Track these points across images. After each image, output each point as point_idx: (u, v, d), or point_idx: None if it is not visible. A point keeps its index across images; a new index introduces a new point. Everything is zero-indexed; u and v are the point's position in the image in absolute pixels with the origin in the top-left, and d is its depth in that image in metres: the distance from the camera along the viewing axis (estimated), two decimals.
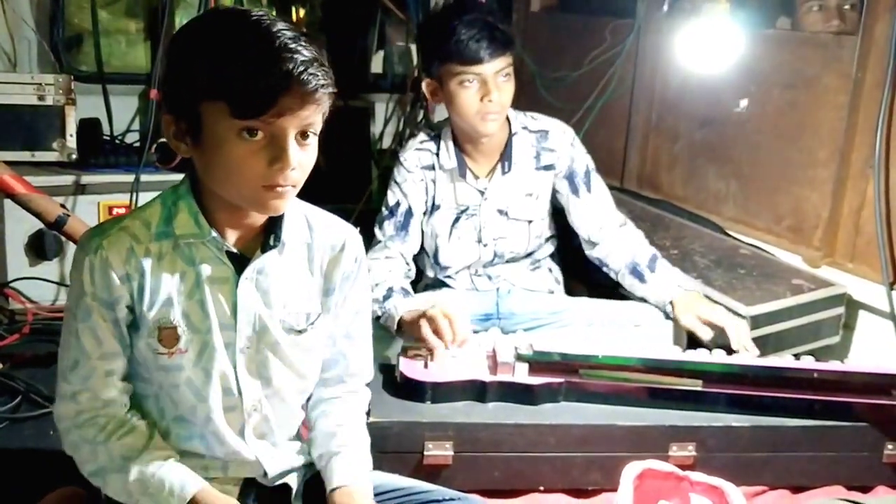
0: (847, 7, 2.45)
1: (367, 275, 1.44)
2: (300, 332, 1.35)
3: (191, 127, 1.20)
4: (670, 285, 2.11)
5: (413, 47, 3.55)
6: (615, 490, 1.60)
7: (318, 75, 1.15)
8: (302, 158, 1.19)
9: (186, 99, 1.18)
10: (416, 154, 2.18)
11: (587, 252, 2.26)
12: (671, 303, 2.08)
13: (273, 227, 1.31)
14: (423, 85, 2.15)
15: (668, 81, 3.02)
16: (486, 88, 2.01)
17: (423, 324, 1.83)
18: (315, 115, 1.18)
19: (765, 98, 2.62)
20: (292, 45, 1.14)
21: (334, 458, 1.37)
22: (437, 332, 1.82)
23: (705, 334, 2.01)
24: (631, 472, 1.58)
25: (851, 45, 2.32)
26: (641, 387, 1.82)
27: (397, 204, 2.18)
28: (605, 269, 2.24)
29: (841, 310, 2.29)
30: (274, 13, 3.20)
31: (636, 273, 2.14)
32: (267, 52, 1.13)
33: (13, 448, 1.83)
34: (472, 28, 1.98)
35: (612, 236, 2.20)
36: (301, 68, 1.13)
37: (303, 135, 1.19)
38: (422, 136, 2.22)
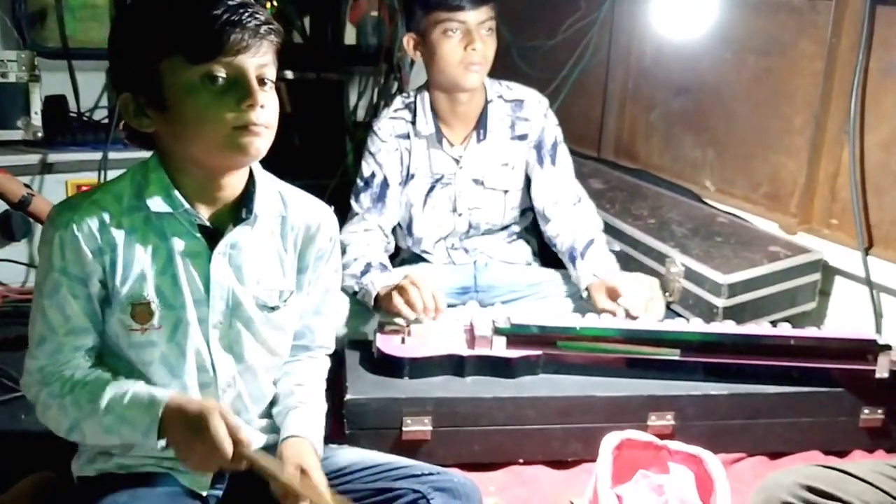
0: None
1: (339, 253, 1.46)
2: (273, 308, 1.35)
3: (152, 95, 1.21)
4: (588, 274, 2.04)
5: (385, 19, 3.50)
6: (595, 461, 1.60)
7: (258, 14, 1.20)
8: (267, 101, 1.22)
9: (143, 66, 1.20)
10: (391, 123, 2.15)
11: (542, 228, 2.23)
12: (587, 289, 2.03)
13: (245, 201, 1.30)
14: (405, 40, 2.12)
15: (644, 49, 3.00)
16: (469, 37, 2.00)
17: (395, 295, 1.83)
18: (267, 57, 1.22)
19: (740, 65, 2.60)
20: None
21: (290, 412, 1.38)
22: (409, 302, 1.81)
23: (619, 312, 1.93)
24: (610, 442, 1.58)
25: (826, 11, 2.31)
26: (619, 357, 1.82)
27: (372, 175, 2.15)
28: (554, 249, 2.21)
29: (817, 276, 2.30)
30: None
31: (571, 257, 2.11)
32: (206, 0, 1.18)
33: None
34: None
35: (564, 214, 2.17)
36: (241, 9, 1.19)
37: (261, 82, 1.21)
38: (396, 103, 2.19)
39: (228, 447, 1.14)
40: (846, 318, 2.31)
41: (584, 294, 2.05)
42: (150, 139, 1.27)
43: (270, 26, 1.21)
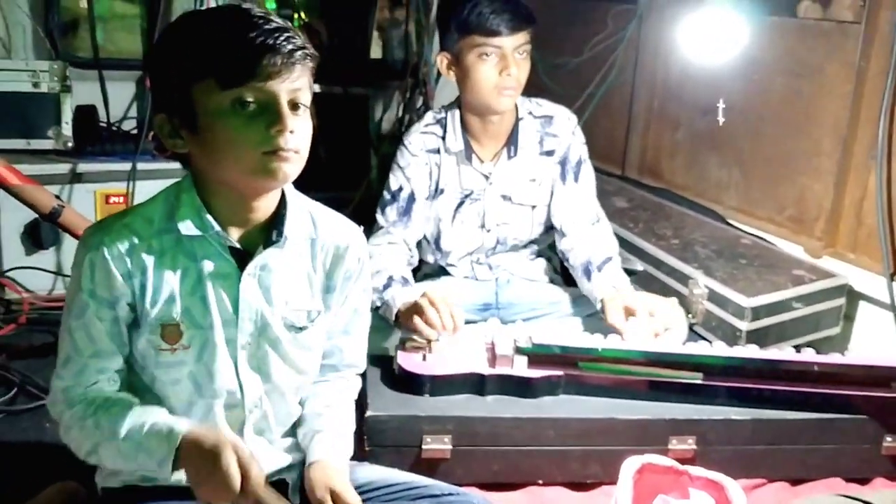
0: None
1: (368, 273, 1.45)
2: (300, 329, 1.35)
3: (185, 117, 1.22)
4: (605, 286, 2.03)
5: (412, 33, 3.52)
6: (614, 483, 1.59)
7: (294, 38, 1.20)
8: (298, 126, 1.21)
9: (177, 89, 1.21)
10: (421, 138, 2.16)
11: (557, 242, 2.23)
12: (602, 301, 2.02)
13: (276, 223, 1.30)
14: (438, 59, 2.13)
15: (669, 68, 3.00)
16: (504, 62, 2.00)
17: (414, 316, 1.83)
18: (300, 81, 1.21)
19: (767, 86, 2.59)
20: (266, 17, 1.20)
21: (316, 435, 1.38)
22: (428, 322, 1.81)
23: (626, 332, 1.90)
24: (630, 466, 1.57)
25: (855, 34, 2.30)
26: (641, 380, 1.80)
27: (400, 188, 2.16)
28: (566, 263, 2.21)
29: (842, 301, 2.28)
30: None
31: (587, 272, 2.10)
32: (243, 24, 1.19)
33: (9, 441, 1.83)
34: (495, 1, 1.97)
35: (581, 232, 2.16)
36: (276, 33, 1.18)
37: (293, 106, 1.21)
38: (428, 118, 2.20)
39: (237, 483, 1.14)
40: (871, 343, 2.29)
41: (598, 305, 2.04)
42: (184, 159, 1.28)
43: (305, 51, 1.21)
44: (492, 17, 1.97)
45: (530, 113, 2.18)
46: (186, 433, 1.20)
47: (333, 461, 1.34)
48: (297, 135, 1.21)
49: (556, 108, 2.22)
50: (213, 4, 2.69)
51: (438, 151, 2.16)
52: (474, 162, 2.16)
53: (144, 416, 1.24)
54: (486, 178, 2.17)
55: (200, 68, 1.19)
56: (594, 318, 2.13)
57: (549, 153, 2.19)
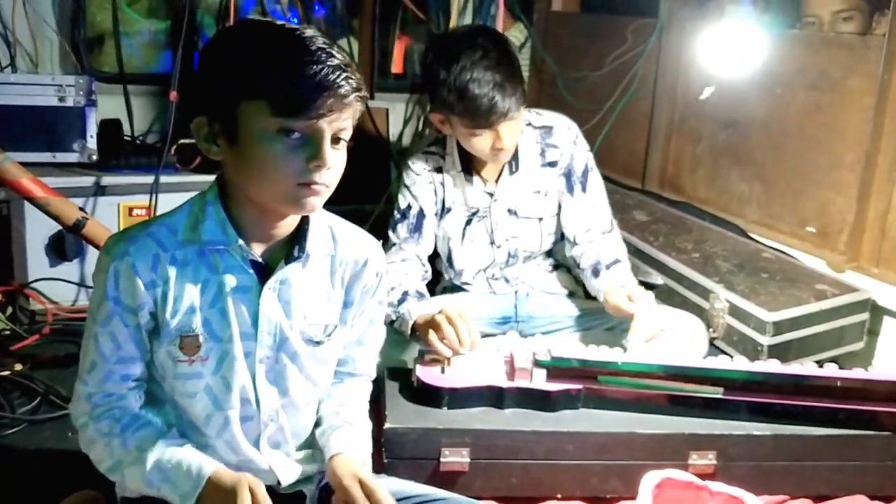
0: (842, 19, 2.46)
1: (385, 287, 1.47)
2: (318, 343, 1.36)
3: (226, 127, 1.22)
4: (611, 281, 2.02)
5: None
6: (634, 498, 1.59)
7: (352, 79, 1.19)
8: (335, 161, 1.22)
9: (224, 100, 1.20)
10: (424, 157, 2.18)
11: (567, 250, 2.22)
12: (605, 293, 2.02)
13: (298, 239, 1.31)
14: (431, 116, 2.11)
15: (690, 82, 2.99)
16: (496, 136, 1.99)
17: (431, 332, 1.84)
18: (348, 121, 1.22)
19: (789, 99, 2.58)
20: (328, 51, 1.19)
21: (336, 430, 1.39)
22: (444, 339, 1.82)
23: (631, 309, 1.92)
24: (650, 481, 1.56)
25: (878, 46, 2.28)
26: (661, 394, 1.79)
27: (409, 206, 2.17)
28: (576, 269, 2.20)
29: (865, 315, 2.26)
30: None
31: (595, 271, 2.09)
32: (306, 56, 1.17)
33: (32, 449, 1.85)
34: (483, 87, 1.91)
35: (593, 240, 2.16)
36: (338, 72, 1.17)
37: (335, 140, 1.22)
38: (428, 139, 2.23)
39: None
40: (895, 359, 2.26)
41: (601, 297, 2.04)
42: (210, 165, 1.29)
43: (360, 94, 1.20)
44: (482, 103, 1.91)
45: (529, 124, 2.16)
46: (212, 473, 1.24)
47: (356, 452, 1.35)
48: (333, 170, 1.22)
49: (556, 117, 2.20)
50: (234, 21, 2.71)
51: (441, 171, 2.17)
52: (476, 181, 2.16)
53: (173, 449, 1.26)
54: (491, 195, 2.17)
55: (255, 89, 1.18)
56: (613, 332, 2.12)
57: (552, 164, 2.18)
